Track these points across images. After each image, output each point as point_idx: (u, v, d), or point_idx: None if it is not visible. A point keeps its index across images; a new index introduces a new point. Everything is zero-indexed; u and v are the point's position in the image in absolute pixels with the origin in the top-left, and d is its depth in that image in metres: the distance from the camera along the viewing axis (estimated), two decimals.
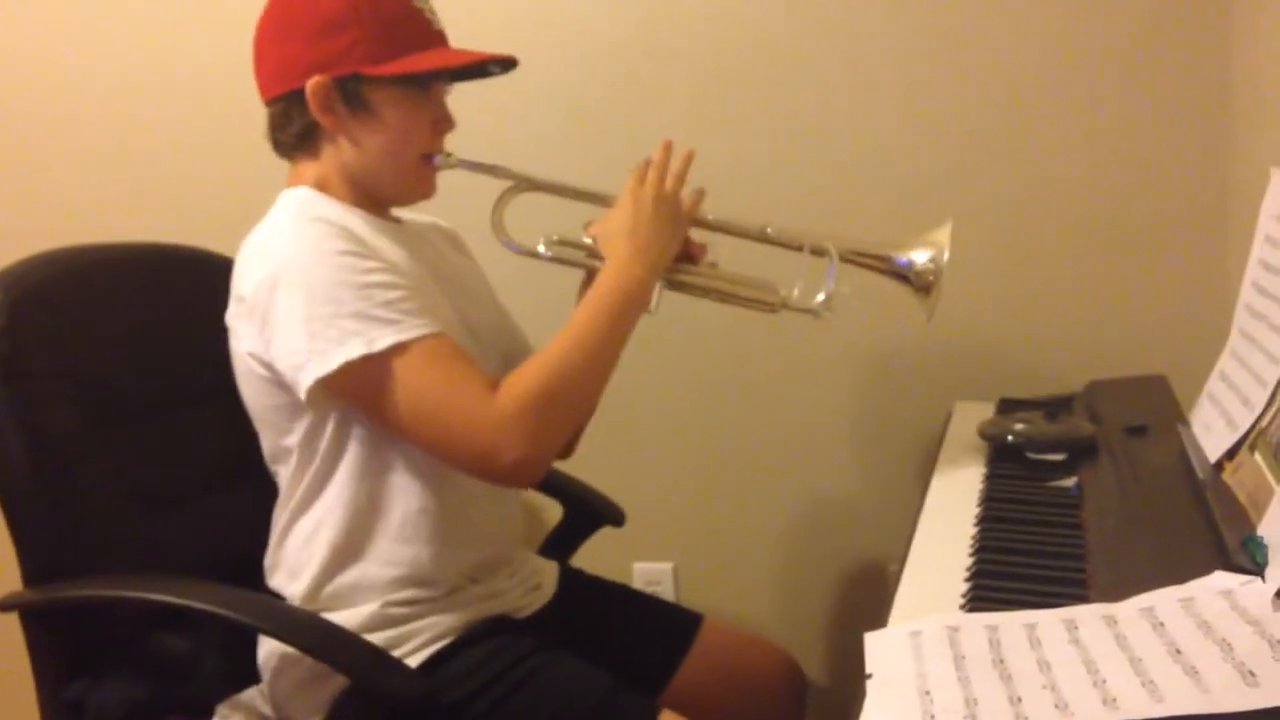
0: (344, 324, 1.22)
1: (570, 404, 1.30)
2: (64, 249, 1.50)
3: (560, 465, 1.64)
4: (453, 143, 1.42)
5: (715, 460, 2.12)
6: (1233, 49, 1.84)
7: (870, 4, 1.94)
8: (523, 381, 1.26)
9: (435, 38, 1.38)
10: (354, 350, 1.22)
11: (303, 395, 1.25)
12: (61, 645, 1.38)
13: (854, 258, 1.46)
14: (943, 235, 1.45)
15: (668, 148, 1.42)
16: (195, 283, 1.33)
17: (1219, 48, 1.85)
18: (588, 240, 1.44)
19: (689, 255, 1.47)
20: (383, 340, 1.22)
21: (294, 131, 1.36)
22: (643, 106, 2.03)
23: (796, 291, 1.46)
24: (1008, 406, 1.76)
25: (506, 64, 1.42)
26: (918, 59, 1.94)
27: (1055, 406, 1.66)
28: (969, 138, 1.95)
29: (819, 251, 1.45)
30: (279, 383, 1.28)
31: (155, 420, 1.48)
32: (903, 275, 1.45)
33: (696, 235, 1.47)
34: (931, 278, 1.44)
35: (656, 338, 1.48)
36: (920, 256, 1.45)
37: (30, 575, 1.37)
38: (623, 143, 1.96)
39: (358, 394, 1.26)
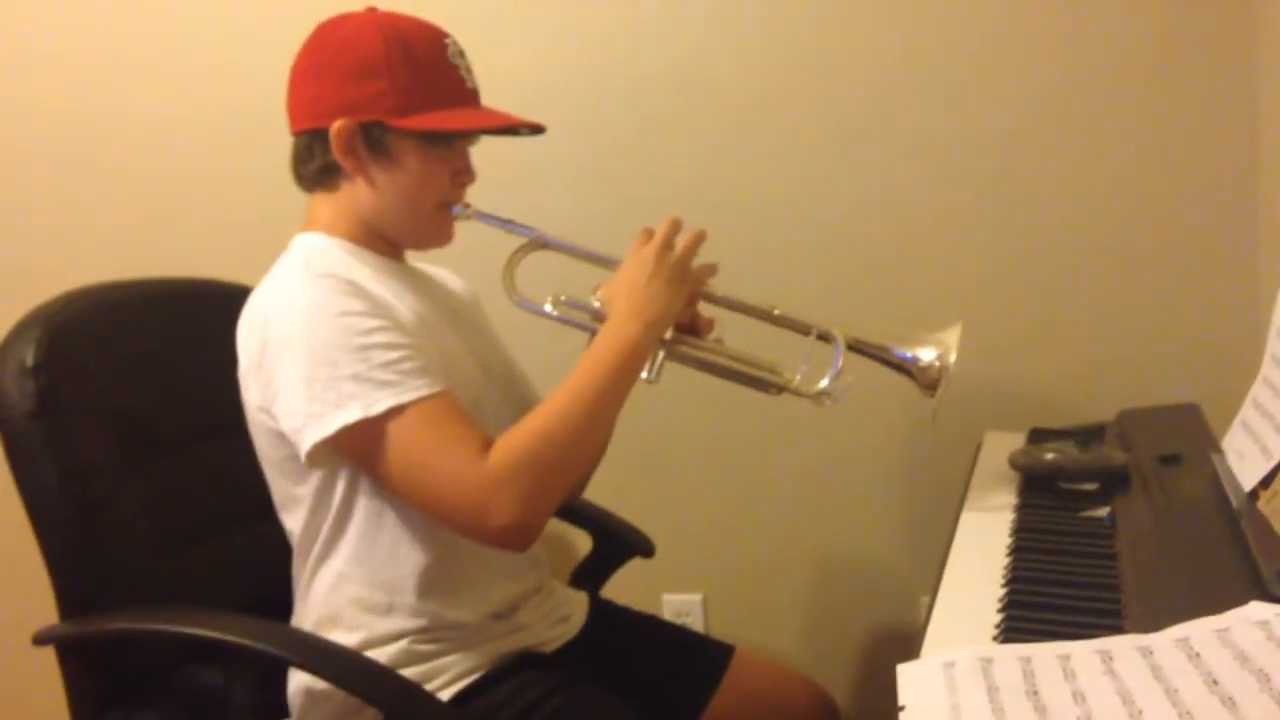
0: (342, 386, 1.23)
1: (562, 466, 1.28)
2: (99, 285, 1.53)
3: (589, 495, 1.64)
4: (475, 189, 1.43)
5: (745, 491, 2.12)
6: (1260, 74, 1.84)
7: (894, 34, 1.96)
8: (514, 443, 1.25)
9: (468, 96, 1.39)
10: (352, 414, 1.22)
11: (303, 458, 1.26)
12: (97, 678, 1.39)
13: (859, 346, 1.45)
14: (951, 336, 1.44)
15: (675, 220, 1.40)
16: (225, 316, 1.35)
17: (1246, 73, 1.85)
18: (595, 303, 1.43)
19: (694, 328, 1.46)
20: (380, 403, 1.23)
21: (315, 167, 1.37)
22: (668, 157, 2.05)
23: (799, 376, 1.45)
24: (1039, 436, 1.74)
25: (535, 127, 1.42)
26: (941, 91, 1.95)
27: (1087, 436, 1.65)
28: (997, 170, 1.96)
29: (825, 337, 1.45)
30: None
31: (188, 453, 1.50)
32: (905, 369, 1.45)
33: (706, 311, 1.47)
34: (935, 375, 1.43)
35: (686, 369, 1.48)
36: (926, 354, 1.44)
37: (66, 608, 1.38)
38: (647, 197, 1.98)
39: (357, 455, 1.27)
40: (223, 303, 1.40)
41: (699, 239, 1.40)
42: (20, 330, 1.40)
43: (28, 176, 2.20)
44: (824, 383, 1.43)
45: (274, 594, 1.42)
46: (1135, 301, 1.94)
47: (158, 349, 1.53)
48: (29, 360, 1.37)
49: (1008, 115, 1.94)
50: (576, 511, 1.74)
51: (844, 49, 1.98)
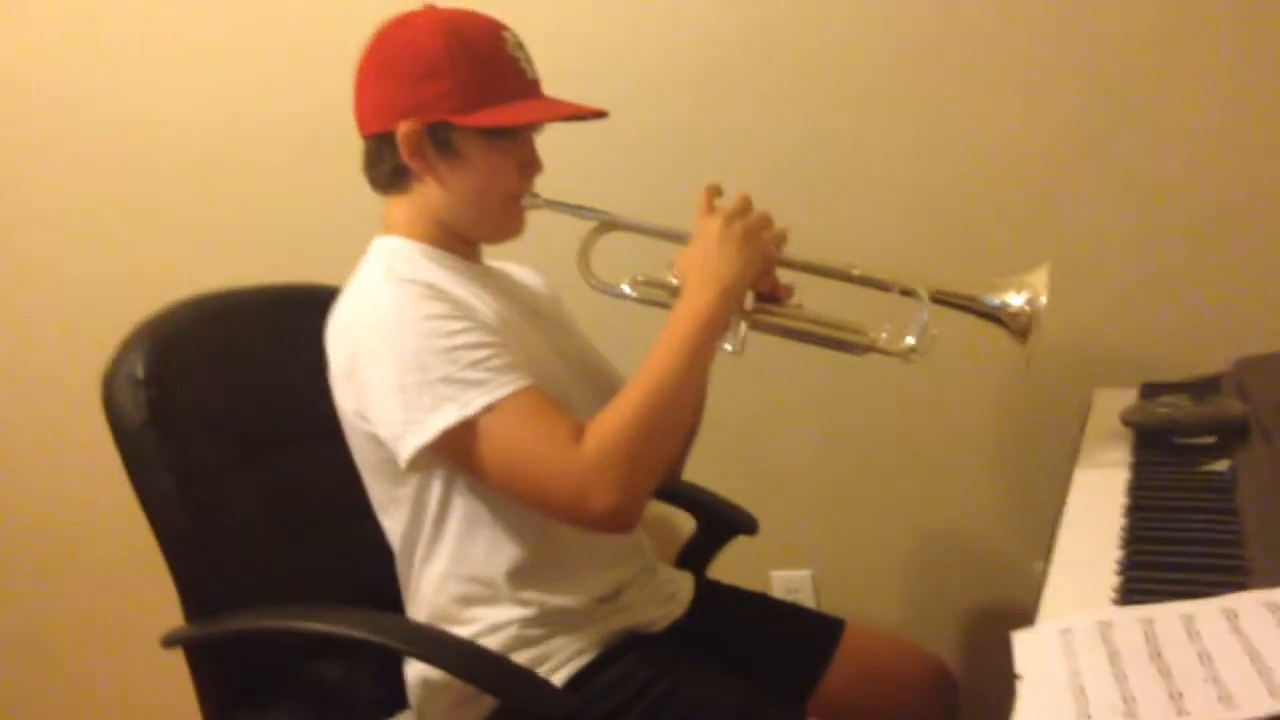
0: (435, 390, 1.24)
1: (654, 443, 1.27)
2: (199, 296, 1.57)
3: (691, 476, 1.64)
4: (544, 180, 1.43)
5: (849, 463, 2.10)
6: None
7: None
8: (606, 427, 1.25)
9: (529, 87, 1.40)
10: (449, 416, 1.24)
11: (403, 464, 1.29)
12: (223, 678, 1.43)
13: (944, 298, 1.41)
14: (1038, 278, 1.39)
15: (742, 196, 1.39)
16: (320, 320, 1.38)
17: None
18: (673, 280, 1.41)
19: (774, 296, 1.44)
20: (475, 403, 1.24)
21: (386, 169, 1.39)
22: (732, 124, 2.02)
23: (885, 334, 1.42)
24: (1151, 391, 1.69)
25: (597, 113, 1.42)
26: (1036, 28, 1.89)
27: (1202, 388, 1.60)
28: (1100, 115, 1.89)
29: (908, 292, 1.41)
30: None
31: (292, 454, 1.53)
32: (995, 317, 1.40)
33: (785, 277, 1.45)
34: (1027, 320, 1.38)
35: (775, 341, 1.47)
36: (1015, 299, 1.39)
37: (190, 611, 1.42)
38: (714, 168, 1.97)
39: (455, 456, 1.29)
40: (317, 306, 1.42)
41: (763, 209, 1.38)
42: (129, 344, 1.44)
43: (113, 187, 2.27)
44: (910, 339, 1.40)
45: (381, 588, 1.44)
46: (1244, 247, 1.86)
47: (257, 355, 1.57)
48: (139, 372, 1.41)
49: (1114, 55, 1.87)
50: (678, 493, 1.74)
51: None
